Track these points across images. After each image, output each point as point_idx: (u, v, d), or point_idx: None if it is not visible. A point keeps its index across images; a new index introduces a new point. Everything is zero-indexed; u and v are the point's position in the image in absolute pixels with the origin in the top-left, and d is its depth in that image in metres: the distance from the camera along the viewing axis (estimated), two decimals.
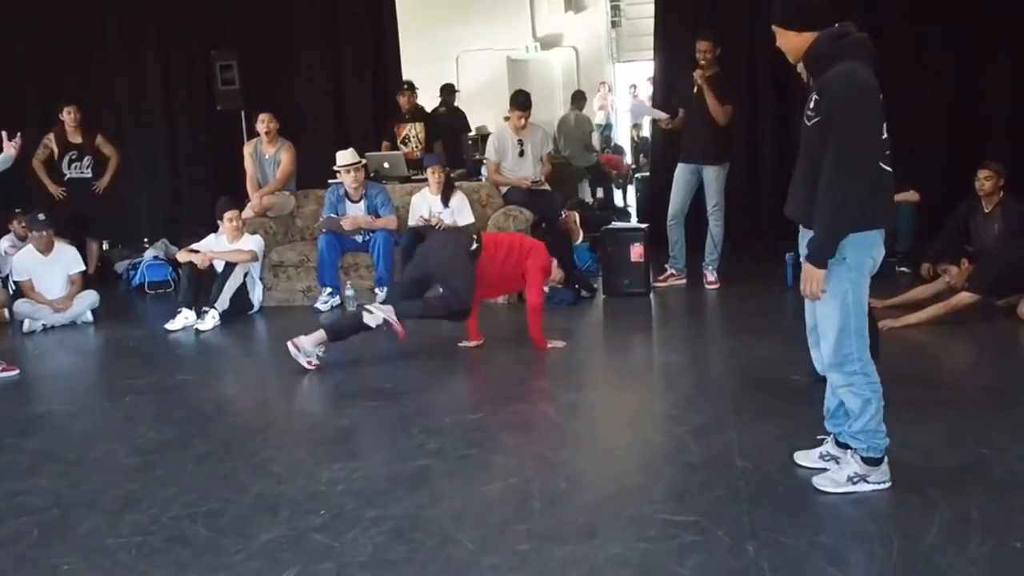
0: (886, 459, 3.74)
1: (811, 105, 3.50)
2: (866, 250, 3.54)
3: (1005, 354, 5.81)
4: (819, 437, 4.06)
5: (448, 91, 11.98)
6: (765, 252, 8.21)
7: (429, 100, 11.66)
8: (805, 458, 4.05)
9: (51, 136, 8.94)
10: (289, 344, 5.88)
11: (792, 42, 3.56)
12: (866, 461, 3.72)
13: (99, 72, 10.14)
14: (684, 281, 7.79)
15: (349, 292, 7.60)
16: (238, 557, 3.51)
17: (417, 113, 9.94)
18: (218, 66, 9.35)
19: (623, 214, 11.36)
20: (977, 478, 3.86)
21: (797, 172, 3.68)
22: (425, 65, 12.99)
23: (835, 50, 3.45)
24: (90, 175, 9.04)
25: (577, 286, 7.50)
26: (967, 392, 5.06)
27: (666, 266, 7.82)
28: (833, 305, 3.58)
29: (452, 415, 5.09)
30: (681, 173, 7.58)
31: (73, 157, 8.96)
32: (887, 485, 3.74)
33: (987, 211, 6.99)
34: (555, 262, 6.41)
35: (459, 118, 11.65)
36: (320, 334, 5.89)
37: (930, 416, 4.60)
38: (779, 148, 8.63)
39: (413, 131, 9.74)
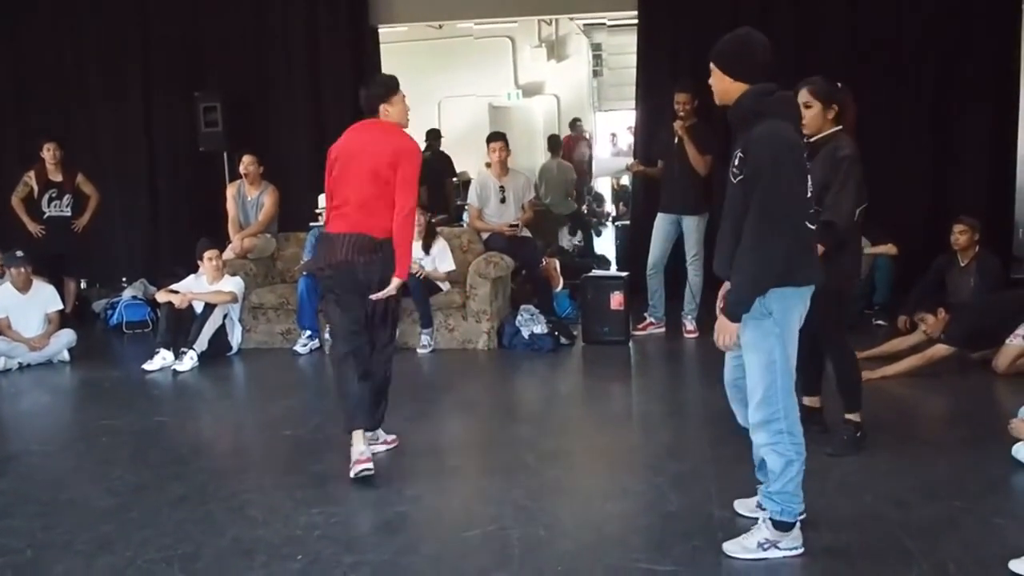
0: (798, 524, 3.71)
1: (735, 162, 3.51)
2: (793, 305, 3.54)
3: (980, 407, 5.86)
4: (758, 485, 4.01)
5: (433, 136, 12.10)
6: None
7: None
8: (743, 506, 4.08)
9: (31, 174, 8.91)
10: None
11: (725, 86, 3.58)
12: (777, 526, 3.68)
13: (81, 111, 10.11)
14: (663, 330, 7.81)
15: (328, 336, 7.58)
16: None
17: None
18: (201, 107, 9.36)
19: (603, 262, 11.40)
20: (953, 531, 3.89)
21: (723, 230, 3.67)
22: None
23: (761, 107, 3.49)
24: (69, 213, 9.00)
25: (556, 333, 7.52)
26: (943, 444, 5.09)
27: (645, 315, 7.85)
28: (760, 362, 3.55)
29: (430, 460, 5.08)
30: (661, 223, 7.64)
31: (53, 195, 8.93)
32: (799, 551, 3.69)
33: (963, 265, 7.08)
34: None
35: (444, 163, 11.73)
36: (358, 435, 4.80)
37: (906, 468, 4.64)
38: None
39: None
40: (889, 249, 7.91)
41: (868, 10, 8.75)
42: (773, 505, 3.68)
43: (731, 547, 3.72)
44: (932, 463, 4.73)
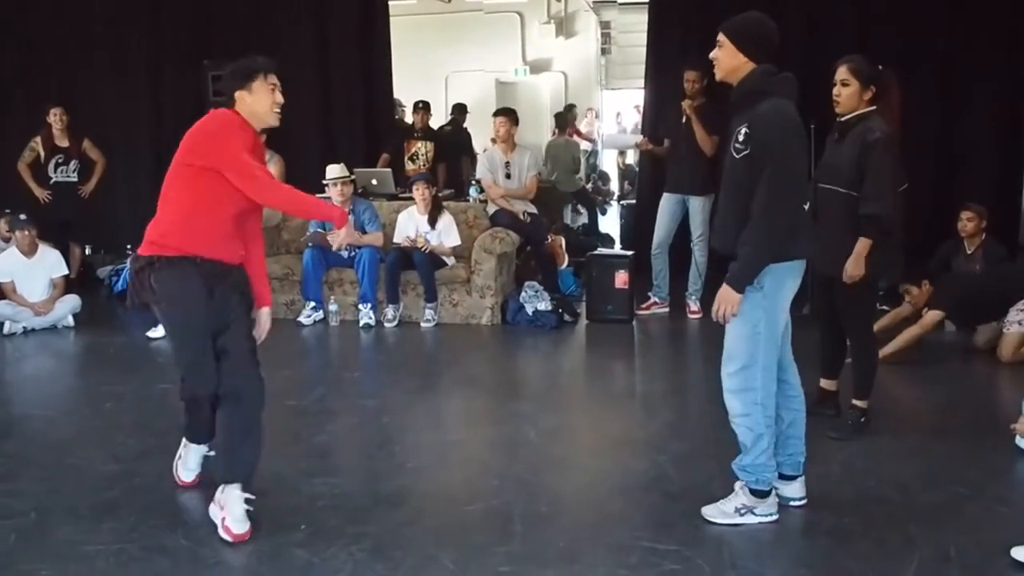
0: (774, 491, 3.80)
1: (740, 138, 3.56)
2: (784, 280, 3.60)
3: (983, 394, 5.87)
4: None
5: (459, 111, 12.02)
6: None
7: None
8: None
9: (38, 139, 8.88)
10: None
11: (731, 60, 3.62)
12: (754, 493, 3.77)
13: (87, 77, 10.09)
14: (667, 310, 7.81)
15: (333, 307, 7.60)
16: (217, 569, 3.51)
17: (428, 132, 10.03)
18: (210, 76, 9.33)
19: (607, 240, 11.39)
20: (955, 517, 3.90)
21: (722, 204, 3.74)
22: (414, 84, 13.06)
23: (767, 86, 3.56)
24: (76, 179, 8.99)
25: (560, 310, 7.52)
26: (946, 431, 5.09)
27: (649, 294, 7.85)
28: (744, 332, 3.61)
29: (433, 434, 5.10)
30: (667, 203, 7.62)
31: (59, 161, 8.92)
32: (774, 517, 3.79)
33: (969, 252, 7.07)
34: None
35: (464, 139, 11.64)
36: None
37: (909, 454, 4.65)
38: None
39: (423, 148, 9.84)
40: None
41: None
42: (747, 476, 3.76)
43: (710, 511, 3.81)
44: (935, 450, 4.73)
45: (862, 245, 4.51)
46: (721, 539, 3.69)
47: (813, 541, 3.73)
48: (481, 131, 14.91)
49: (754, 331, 3.59)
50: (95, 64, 10.08)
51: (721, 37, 3.64)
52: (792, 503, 3.93)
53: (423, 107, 9.88)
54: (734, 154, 3.59)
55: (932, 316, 6.24)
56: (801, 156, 3.55)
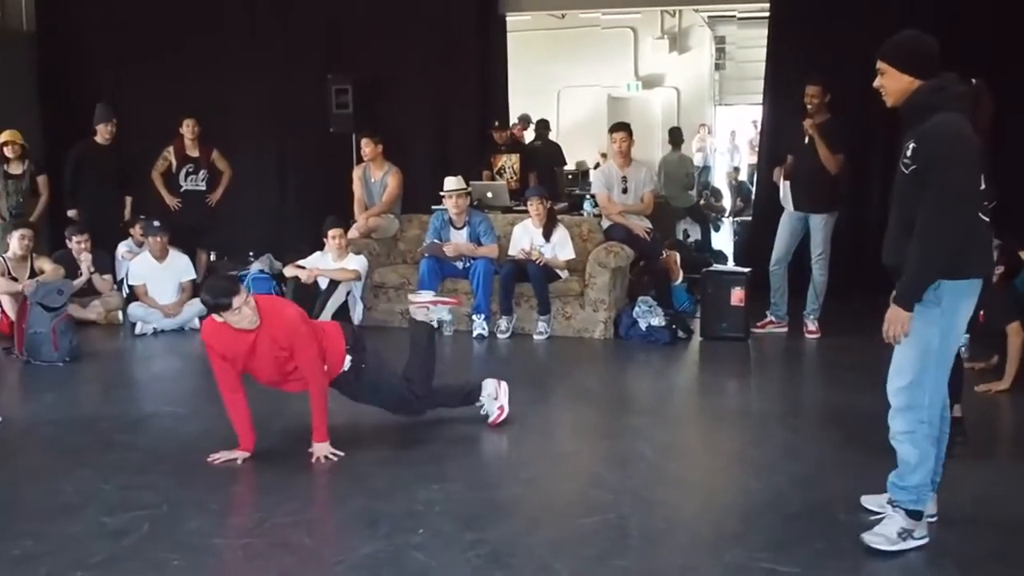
0: (924, 514, 3.71)
1: (908, 153, 3.54)
2: (961, 299, 3.54)
3: None
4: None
5: (543, 126, 12.24)
6: (867, 304, 8.04)
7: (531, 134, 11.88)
8: (873, 502, 4.02)
9: (170, 149, 9.23)
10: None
11: (901, 85, 3.60)
12: (911, 515, 3.68)
13: (217, 90, 10.40)
14: (785, 329, 7.69)
15: (447, 317, 7.67)
16: (339, 568, 3.60)
17: (513, 145, 10.13)
18: (334, 90, 9.60)
19: (720, 257, 11.28)
20: None
21: (892, 220, 3.71)
22: (526, 98, 13.18)
23: (936, 101, 3.53)
24: (204, 188, 9.31)
25: (674, 326, 7.47)
26: None
27: (767, 313, 7.74)
28: (915, 350, 3.56)
29: (546, 446, 5.12)
30: (788, 219, 7.52)
31: (190, 170, 9.25)
32: (926, 540, 3.70)
33: None
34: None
35: (554, 151, 11.77)
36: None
37: None
38: (887, 198, 8.47)
39: (509, 162, 9.91)
40: None
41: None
42: (907, 496, 3.67)
43: (873, 539, 3.69)
44: None
45: None
46: (843, 563, 3.62)
47: (941, 568, 3.63)
48: (593, 145, 15.00)
49: (927, 349, 3.54)
50: (225, 77, 10.42)
51: (881, 65, 3.64)
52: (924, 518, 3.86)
53: (500, 126, 9.98)
54: (903, 169, 3.56)
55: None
56: (969, 171, 3.49)
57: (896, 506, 3.69)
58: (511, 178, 9.81)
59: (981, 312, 3.84)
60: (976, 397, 5.62)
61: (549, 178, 10.88)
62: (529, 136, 12.66)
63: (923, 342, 3.54)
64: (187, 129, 9.15)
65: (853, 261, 8.44)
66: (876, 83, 3.68)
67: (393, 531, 3.90)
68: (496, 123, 9.96)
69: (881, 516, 3.79)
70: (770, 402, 6.13)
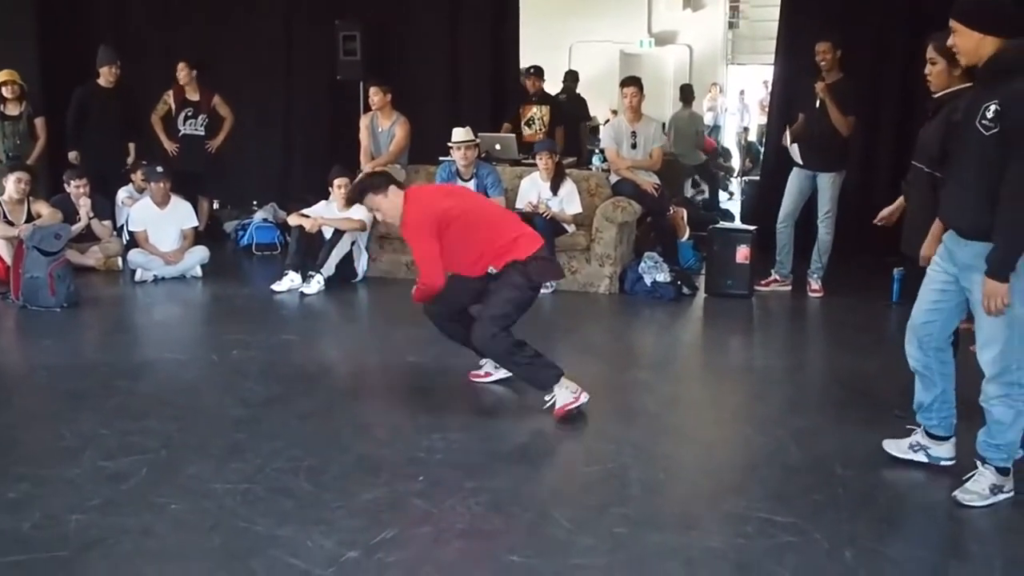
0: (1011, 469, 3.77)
1: (989, 115, 3.43)
2: None
3: None
4: (908, 427, 4.14)
5: (571, 78, 11.89)
6: (873, 265, 8.03)
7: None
8: (895, 447, 4.13)
9: (169, 93, 9.15)
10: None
11: (972, 43, 3.52)
12: (1000, 471, 3.73)
13: (221, 34, 10.27)
14: (789, 288, 7.64)
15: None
16: (339, 513, 3.59)
17: (544, 97, 9.98)
18: (341, 36, 9.47)
19: (727, 215, 11.22)
20: None
21: (964, 181, 3.62)
22: (538, 52, 12.98)
23: (1022, 62, 3.41)
24: (203, 133, 9.21)
25: (679, 282, 7.44)
26: None
27: (772, 271, 7.70)
28: (1001, 319, 3.53)
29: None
30: (796, 177, 7.46)
31: (189, 114, 9.16)
32: (1012, 494, 3.75)
33: None
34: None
35: (580, 105, 11.58)
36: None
37: None
38: (897, 159, 8.42)
39: (539, 113, 9.76)
40: None
41: None
42: (999, 453, 3.73)
43: (966, 496, 3.73)
44: None
45: (937, 226, 4.37)
46: (840, 515, 3.62)
47: (934, 521, 3.65)
48: (604, 101, 14.87)
49: (1010, 316, 3.52)
50: (230, 21, 10.29)
51: (953, 23, 3.56)
52: (942, 462, 4.00)
53: (535, 72, 9.77)
54: (982, 131, 3.46)
55: None
56: None
57: (987, 463, 3.74)
58: (539, 130, 9.68)
59: None
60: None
61: (575, 133, 10.76)
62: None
63: (1008, 311, 3.51)
64: (182, 73, 9.04)
65: (858, 221, 8.37)
66: (948, 42, 3.61)
67: (393, 478, 3.91)
68: (531, 69, 9.81)
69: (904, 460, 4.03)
70: (774, 358, 6.11)
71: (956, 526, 3.65)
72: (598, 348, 6.27)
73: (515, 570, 3.21)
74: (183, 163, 8.96)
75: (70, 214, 7.78)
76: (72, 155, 8.74)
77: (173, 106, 9.18)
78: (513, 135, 9.17)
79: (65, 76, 9.32)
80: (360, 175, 4.67)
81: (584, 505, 3.70)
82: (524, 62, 10.58)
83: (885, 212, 5.69)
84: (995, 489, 3.71)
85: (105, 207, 8.25)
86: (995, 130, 3.40)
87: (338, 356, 6.16)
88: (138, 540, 3.37)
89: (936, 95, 4.48)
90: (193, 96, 9.18)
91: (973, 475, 3.78)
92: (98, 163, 8.60)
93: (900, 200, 5.66)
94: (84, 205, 7.86)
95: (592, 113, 12.88)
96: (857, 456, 4.17)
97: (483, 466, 4.06)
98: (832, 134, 7.19)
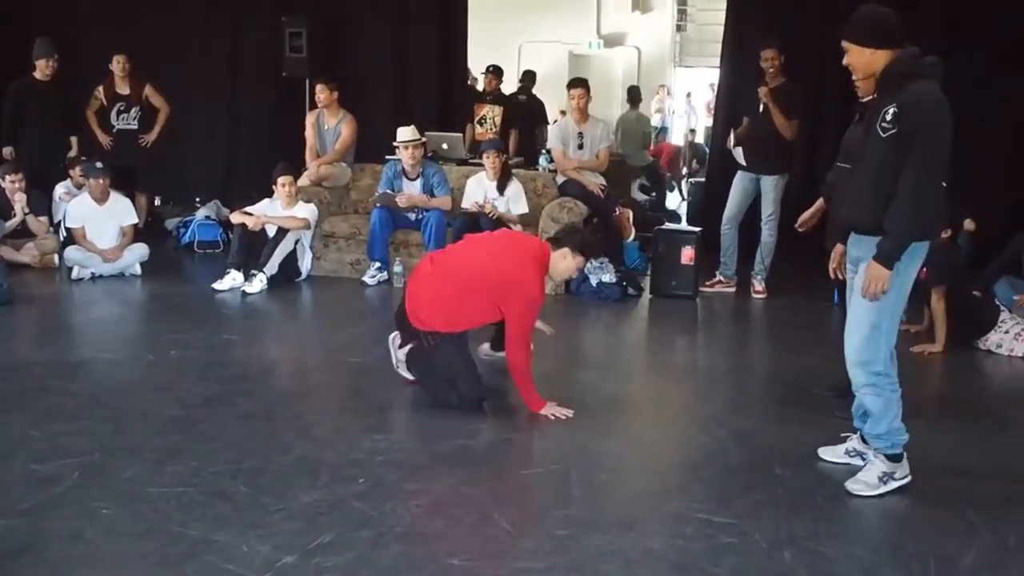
0: (905, 453, 3.87)
1: (887, 117, 3.62)
2: (916, 257, 3.70)
3: None
4: (843, 435, 4.22)
5: (529, 78, 11.83)
6: (814, 266, 8.09)
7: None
8: (830, 453, 4.21)
9: (100, 88, 8.99)
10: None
11: (864, 59, 3.73)
12: (890, 458, 3.85)
13: (166, 30, 10.13)
14: (733, 289, 7.72)
15: (397, 269, 7.62)
16: (277, 516, 3.53)
17: (499, 97, 9.92)
18: (287, 33, 9.38)
19: (673, 216, 11.28)
20: (1018, 507, 3.83)
21: (861, 181, 3.80)
22: (487, 51, 12.98)
23: (916, 68, 3.65)
24: (136, 127, 9.07)
25: (625, 283, 7.47)
26: (1014, 422, 4.98)
27: (716, 272, 7.76)
28: (870, 305, 3.70)
29: (493, 398, 5.07)
30: (740, 180, 7.53)
31: (121, 108, 9.00)
32: (909, 479, 3.86)
33: None
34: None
35: (538, 107, 11.49)
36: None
37: (974, 443, 4.57)
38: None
39: (491, 113, 9.73)
40: (968, 225, 7.65)
41: None
42: (882, 443, 3.85)
43: (856, 486, 3.86)
44: (1001, 440, 4.66)
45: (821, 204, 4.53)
46: (779, 515, 3.64)
47: (871, 520, 3.69)
48: (552, 102, 14.89)
49: (882, 304, 3.69)
50: (176, 17, 10.14)
51: (844, 44, 3.76)
52: None
53: (493, 71, 9.74)
54: (880, 133, 3.64)
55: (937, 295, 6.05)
56: (948, 138, 3.60)
57: (876, 452, 3.88)
58: (490, 129, 9.62)
59: (923, 269, 3.93)
60: (912, 357, 5.84)
61: (531, 135, 10.71)
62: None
63: (883, 297, 3.68)
64: (117, 65, 8.90)
65: None
66: (844, 62, 3.80)
67: (333, 480, 3.85)
68: (491, 68, 9.74)
69: (840, 464, 4.10)
70: (717, 359, 6.16)
71: (892, 524, 3.68)
72: (542, 348, 6.18)
73: (456, 573, 3.18)
74: (116, 158, 8.74)
75: (4, 210, 7.61)
76: (7, 150, 8.54)
77: (104, 101, 9.01)
78: (460, 135, 9.15)
79: (1, 69, 9.10)
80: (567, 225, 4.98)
81: (525, 506, 3.69)
82: (472, 61, 10.57)
83: (805, 216, 5.90)
84: (885, 477, 3.84)
85: (42, 203, 8.06)
86: (893, 131, 3.60)
87: (280, 356, 6.08)
88: (68, 546, 3.28)
89: (863, 100, 4.55)
90: (124, 90, 9.03)
91: (865, 465, 3.93)
92: (36, 158, 8.42)
93: (819, 203, 5.83)
94: (19, 201, 7.69)
95: None
96: (796, 455, 4.21)
97: (425, 467, 4.04)
98: (776, 137, 7.28)
